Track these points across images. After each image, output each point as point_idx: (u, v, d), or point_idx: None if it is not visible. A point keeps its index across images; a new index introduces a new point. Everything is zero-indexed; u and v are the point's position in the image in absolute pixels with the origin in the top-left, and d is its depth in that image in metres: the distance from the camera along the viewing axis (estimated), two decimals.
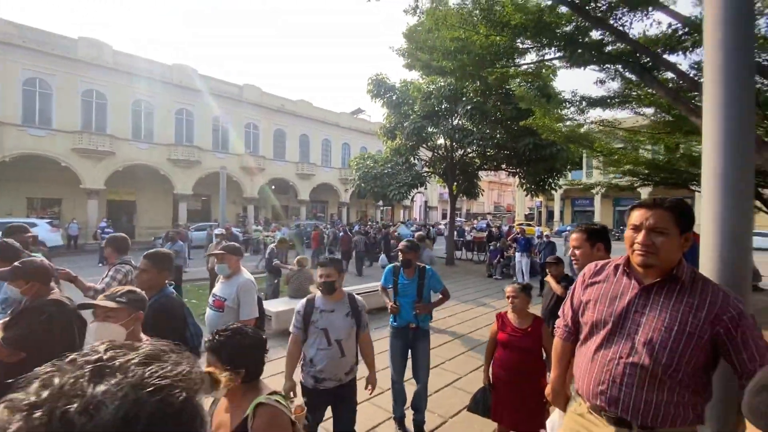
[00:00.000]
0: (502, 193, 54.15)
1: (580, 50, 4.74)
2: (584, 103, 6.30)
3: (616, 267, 1.45)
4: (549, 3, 4.51)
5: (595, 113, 9.91)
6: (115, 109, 19.96)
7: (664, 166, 7.93)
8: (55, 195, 19.62)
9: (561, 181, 14.33)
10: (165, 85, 21.26)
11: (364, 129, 32.34)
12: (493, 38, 5.06)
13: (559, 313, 1.65)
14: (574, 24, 4.55)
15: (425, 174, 15.56)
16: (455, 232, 18.69)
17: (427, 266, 3.27)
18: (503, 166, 15.37)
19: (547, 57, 5.56)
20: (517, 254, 10.88)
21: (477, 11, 4.84)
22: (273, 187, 27.61)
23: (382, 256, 12.58)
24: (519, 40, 4.80)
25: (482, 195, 20.47)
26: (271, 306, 5.98)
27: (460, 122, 13.83)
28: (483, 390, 2.83)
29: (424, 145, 14.62)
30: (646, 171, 8.34)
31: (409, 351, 3.24)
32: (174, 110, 22.17)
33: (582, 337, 1.48)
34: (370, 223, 22.97)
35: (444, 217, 35.42)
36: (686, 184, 8.02)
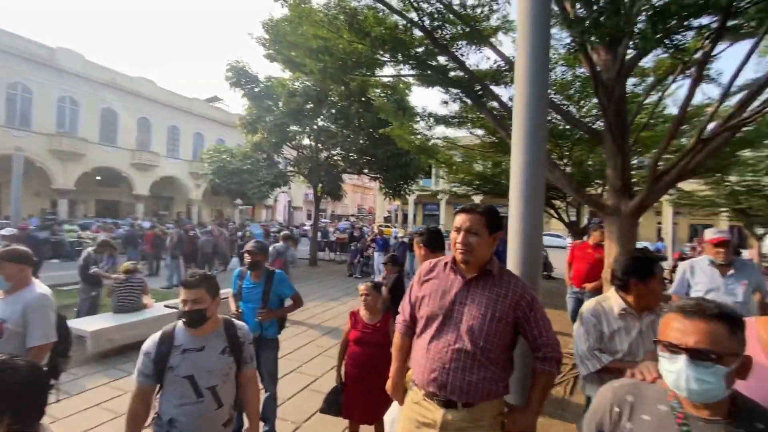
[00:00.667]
0: (365, 195, 56.97)
1: (429, 71, 5.30)
2: (432, 119, 7.10)
3: (445, 264, 1.63)
4: (404, 23, 4.90)
5: (440, 130, 11.38)
6: None
7: (490, 178, 9.56)
8: None
9: (414, 187, 15.86)
10: None
11: (222, 119, 29.53)
12: (355, 45, 5.22)
13: (399, 309, 1.77)
14: (424, 48, 5.05)
15: (289, 173, 15.13)
16: (319, 233, 18.76)
17: (277, 270, 3.10)
18: (365, 170, 16.14)
19: (402, 72, 6.05)
20: (376, 254, 11.55)
21: (342, 16, 4.91)
22: (99, 178, 22.66)
23: (234, 260, 11.72)
24: (379, 53, 5.07)
25: (346, 197, 21.03)
26: (86, 324, 4.84)
27: (325, 124, 13.91)
28: (335, 390, 2.85)
29: (289, 144, 14.19)
30: (478, 182, 9.93)
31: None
32: None
33: (418, 330, 1.61)
34: (227, 223, 20.99)
35: (309, 218, 35.11)
36: (506, 194, 9.88)
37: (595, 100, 5.11)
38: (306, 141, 14.67)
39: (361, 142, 13.42)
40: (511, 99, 5.83)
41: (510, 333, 1.49)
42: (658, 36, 3.17)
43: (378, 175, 15.63)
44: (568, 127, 6.75)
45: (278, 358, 3.12)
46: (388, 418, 1.98)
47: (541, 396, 1.49)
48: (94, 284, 5.67)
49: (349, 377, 2.79)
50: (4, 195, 18.65)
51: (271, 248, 7.33)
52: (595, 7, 3.25)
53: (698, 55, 3.32)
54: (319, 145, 14.62)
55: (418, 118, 8.06)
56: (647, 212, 4.45)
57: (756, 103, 3.22)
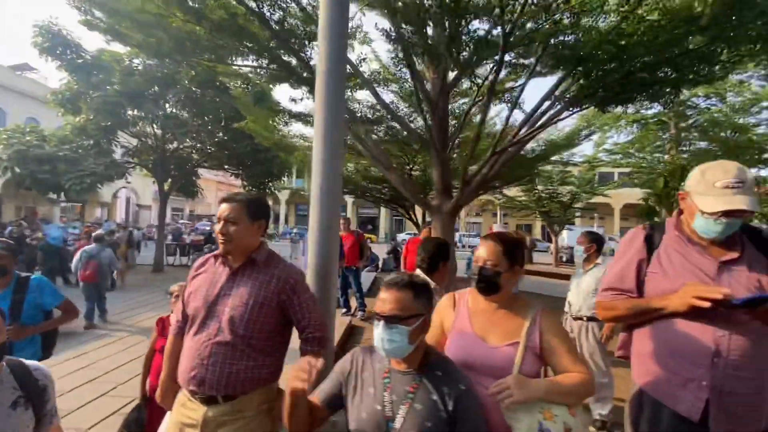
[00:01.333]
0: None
1: (275, 66, 5.19)
2: (287, 115, 6.99)
3: (216, 257, 1.59)
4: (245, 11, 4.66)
5: (299, 127, 11.18)
6: None
7: (350, 180, 9.94)
8: None
9: (281, 186, 15.39)
10: None
11: (36, 94, 23.44)
12: (192, 26, 4.75)
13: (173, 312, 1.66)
14: (273, 41, 4.92)
15: (127, 165, 12.91)
16: (170, 236, 16.53)
17: (34, 276, 2.52)
18: (225, 166, 14.90)
19: (250, 65, 5.78)
20: None
21: None
22: None
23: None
24: (220, 40, 4.71)
25: (204, 194, 19.07)
26: None
27: (173, 111, 12.33)
28: (137, 407, 2.52)
29: (127, 131, 12.10)
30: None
31: None
32: None
33: (187, 328, 1.53)
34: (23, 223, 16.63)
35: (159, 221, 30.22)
36: (368, 196, 10.41)
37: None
38: (149, 129, 12.74)
39: (219, 134, 12.33)
40: (359, 102, 6.19)
41: (276, 318, 1.51)
42: (462, 63, 3.78)
43: (239, 171, 14.62)
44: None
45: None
46: (162, 428, 1.82)
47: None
48: None
49: (153, 392, 2.50)
50: None
51: (80, 251, 6.13)
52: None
53: (490, 82, 4.08)
54: (167, 134, 12.88)
55: (274, 114, 7.83)
56: (487, 213, 5.34)
57: (526, 129, 4.14)
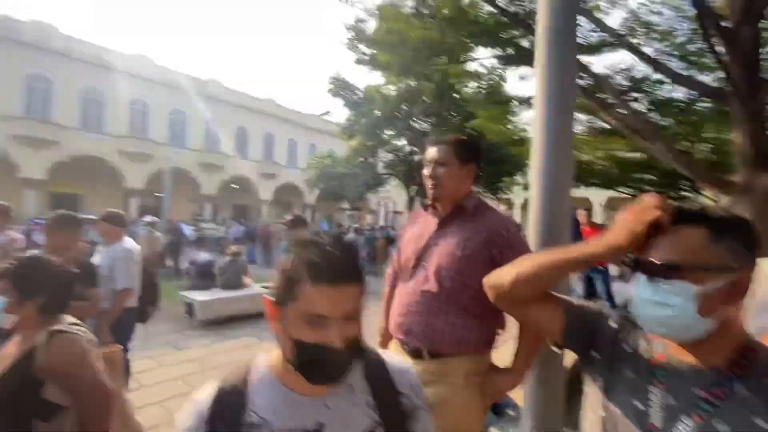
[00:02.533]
0: None
1: (503, 47, 4.93)
2: (516, 102, 6.55)
3: (425, 207, 1.49)
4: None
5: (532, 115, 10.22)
6: (63, 96, 18.85)
7: (600, 169, 8.34)
8: None
9: (515, 187, 14.83)
10: (119, 74, 20.33)
11: (333, 131, 32.29)
12: (425, 32, 5.17)
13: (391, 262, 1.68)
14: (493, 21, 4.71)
15: (384, 176, 15.71)
16: None
17: None
18: None
19: (480, 56, 5.75)
20: None
21: (409, 1, 4.94)
22: (234, 185, 26.91)
23: None
24: (450, 35, 4.90)
25: None
26: (197, 295, 5.76)
27: (417, 125, 14.08)
28: None
29: (384, 148, 14.78)
30: (584, 174, 8.76)
31: None
32: (128, 101, 21.23)
33: (399, 278, 1.50)
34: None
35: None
36: (618, 183, 8.50)
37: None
38: (399, 143, 15.06)
39: None
40: (609, 69, 5.00)
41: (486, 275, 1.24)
42: None
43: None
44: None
45: None
46: None
47: (527, 355, 1.27)
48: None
49: None
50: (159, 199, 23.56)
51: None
52: None
53: None
54: (414, 147, 14.84)
55: (506, 103, 7.53)
56: None
57: None
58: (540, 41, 1.61)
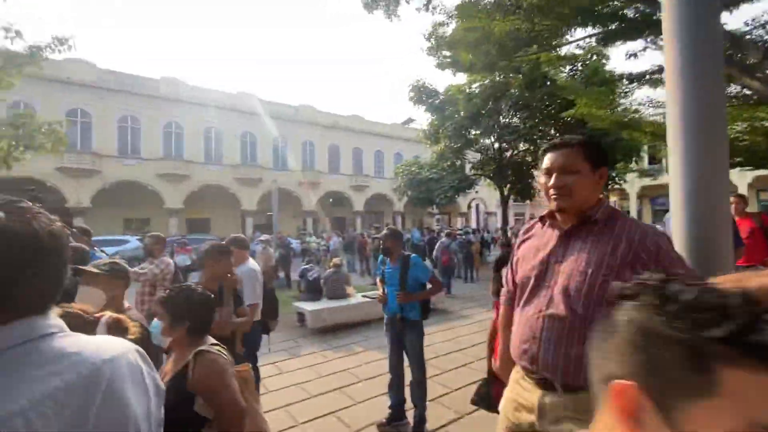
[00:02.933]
0: None
1: (611, 24, 4.39)
2: (625, 81, 5.74)
3: (542, 219, 1.34)
4: None
5: (644, 93, 8.71)
6: (191, 137, 22.50)
7: (743, 143, 6.88)
8: (145, 215, 22.44)
9: (630, 176, 13.07)
10: (231, 112, 23.48)
11: (415, 138, 32.58)
12: (510, 22, 4.88)
13: (503, 281, 1.56)
14: None
15: (473, 177, 15.19)
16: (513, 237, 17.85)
17: (412, 255, 3.18)
18: None
19: (576, 37, 5.22)
20: None
21: None
22: (331, 200, 28.80)
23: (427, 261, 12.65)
24: (535, 21, 4.55)
25: (542, 198, 19.26)
26: (307, 305, 6.24)
27: (506, 120, 13.36)
28: (484, 382, 2.67)
29: (472, 148, 14.33)
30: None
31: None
32: (239, 134, 24.35)
33: (516, 298, 1.38)
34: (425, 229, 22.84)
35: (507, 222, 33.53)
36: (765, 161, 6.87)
37: None
38: (488, 142, 14.45)
39: (550, 131, 12.15)
40: (748, 23, 4.06)
41: None
42: None
43: None
44: None
45: (423, 344, 3.15)
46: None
47: None
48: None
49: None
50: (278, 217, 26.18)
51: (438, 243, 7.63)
52: None
53: None
54: (503, 143, 14.11)
55: (614, 83, 6.69)
56: None
57: None
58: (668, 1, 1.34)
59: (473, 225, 33.55)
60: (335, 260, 7.13)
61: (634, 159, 12.21)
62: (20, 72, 7.94)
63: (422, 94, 13.60)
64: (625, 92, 6.19)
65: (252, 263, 3.14)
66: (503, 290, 1.55)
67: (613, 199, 27.94)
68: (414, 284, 3.09)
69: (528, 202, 23.94)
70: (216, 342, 1.52)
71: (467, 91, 13.28)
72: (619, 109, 7.62)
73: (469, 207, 35.50)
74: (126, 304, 1.91)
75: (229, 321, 2.46)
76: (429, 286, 3.17)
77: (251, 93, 24.78)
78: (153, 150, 21.23)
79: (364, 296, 6.97)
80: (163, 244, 4.01)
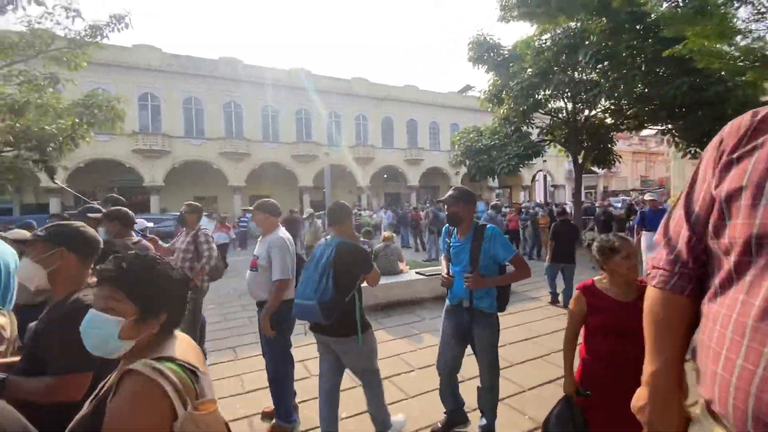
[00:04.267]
0: (651, 164, 44.90)
1: None
2: (755, 10, 4.25)
3: None
4: None
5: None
6: (249, 116, 23.05)
7: None
8: (213, 193, 23.70)
9: None
10: (286, 89, 23.56)
11: (474, 106, 30.41)
12: None
13: (656, 239, 0.82)
14: None
15: (541, 143, 13.54)
16: (585, 211, 15.97)
17: (489, 225, 2.33)
18: (647, 124, 12.34)
19: None
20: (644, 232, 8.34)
21: None
22: (385, 175, 28.29)
23: None
24: None
25: (620, 166, 16.97)
26: None
27: (582, 76, 11.56)
28: (564, 401, 1.86)
29: (540, 111, 12.70)
30: None
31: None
32: (294, 111, 24.46)
33: (719, 279, 0.67)
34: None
35: (574, 196, 30.28)
36: None
37: None
38: (560, 103, 12.71)
39: (638, 86, 10.21)
40: None
41: None
42: None
43: (667, 127, 11.61)
44: None
45: (497, 341, 2.40)
46: None
47: None
48: None
49: (590, 383, 1.82)
50: (334, 193, 26.34)
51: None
52: None
53: None
54: (577, 103, 12.32)
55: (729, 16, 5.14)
56: None
57: None
58: None
59: (538, 199, 31.19)
60: (385, 234, 6.59)
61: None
62: (85, 53, 8.19)
63: (483, 51, 12.19)
64: (763, 13, 4.66)
65: (282, 231, 2.64)
66: (658, 259, 0.82)
67: None
68: (489, 264, 2.30)
69: (602, 171, 21.38)
70: (171, 356, 0.89)
71: (536, 45, 11.65)
72: (741, 43, 5.99)
73: (533, 180, 33.00)
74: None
75: None
76: (511, 268, 2.33)
77: (305, 69, 24.60)
78: (215, 129, 22.09)
79: (418, 273, 6.38)
80: (198, 214, 3.73)
